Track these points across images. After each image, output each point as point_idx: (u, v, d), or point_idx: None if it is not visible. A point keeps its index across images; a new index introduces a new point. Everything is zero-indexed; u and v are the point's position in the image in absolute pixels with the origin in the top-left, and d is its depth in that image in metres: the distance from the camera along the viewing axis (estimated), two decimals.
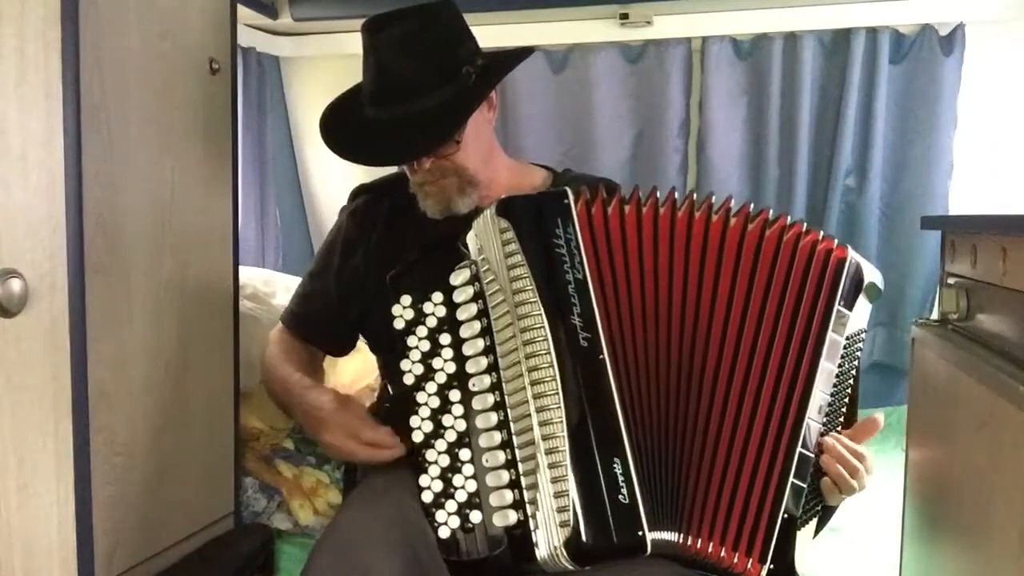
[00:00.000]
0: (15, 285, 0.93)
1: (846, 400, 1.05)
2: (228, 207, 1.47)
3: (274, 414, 1.74)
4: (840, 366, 1.02)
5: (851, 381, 1.05)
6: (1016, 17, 2.16)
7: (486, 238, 1.00)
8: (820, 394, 1.00)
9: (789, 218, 1.04)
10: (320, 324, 1.27)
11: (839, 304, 1.01)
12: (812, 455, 0.99)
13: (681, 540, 0.95)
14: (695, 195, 1.03)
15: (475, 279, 1.01)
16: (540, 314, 0.95)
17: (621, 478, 0.93)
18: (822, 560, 1.55)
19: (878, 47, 2.23)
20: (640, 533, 0.92)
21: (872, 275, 1.06)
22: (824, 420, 1.00)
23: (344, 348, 1.32)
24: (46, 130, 0.97)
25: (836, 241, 1.04)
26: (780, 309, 1.00)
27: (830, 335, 1.00)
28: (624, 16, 2.34)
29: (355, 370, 1.61)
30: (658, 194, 1.03)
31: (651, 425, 0.97)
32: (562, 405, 0.94)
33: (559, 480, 0.93)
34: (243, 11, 2.00)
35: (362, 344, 1.35)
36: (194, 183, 1.37)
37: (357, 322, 1.28)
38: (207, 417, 1.44)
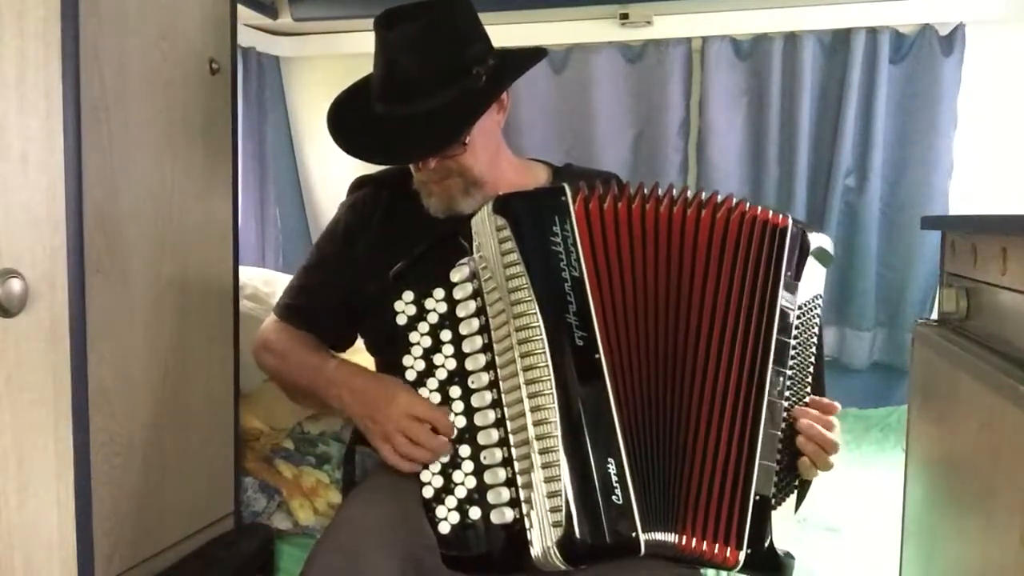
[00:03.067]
0: (15, 285, 0.93)
1: (810, 369, 1.03)
2: (228, 207, 1.47)
3: (274, 414, 1.74)
4: (796, 337, 1.01)
5: (813, 349, 1.04)
6: (1016, 17, 2.16)
7: (484, 236, 1.00)
8: (778, 369, 0.99)
9: (747, 203, 1.03)
10: (317, 317, 1.26)
11: (786, 275, 1.00)
12: (777, 433, 0.98)
13: (677, 541, 0.95)
14: (674, 189, 1.02)
15: (474, 276, 1.01)
16: (535, 313, 0.95)
17: (615, 478, 0.93)
18: (822, 560, 1.55)
19: (878, 47, 2.24)
20: (634, 534, 0.92)
21: (819, 240, 1.05)
22: (787, 395, 1.00)
23: (341, 343, 1.31)
24: (46, 130, 0.97)
25: (782, 214, 1.03)
26: (742, 291, 1.00)
27: (780, 308, 0.99)
28: (624, 16, 2.34)
29: None
30: (644, 189, 1.02)
31: (645, 423, 0.97)
32: (556, 404, 0.93)
33: (552, 480, 0.92)
34: (243, 11, 2.00)
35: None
36: (194, 183, 1.36)
37: (355, 317, 1.27)
38: (207, 417, 1.44)
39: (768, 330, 0.99)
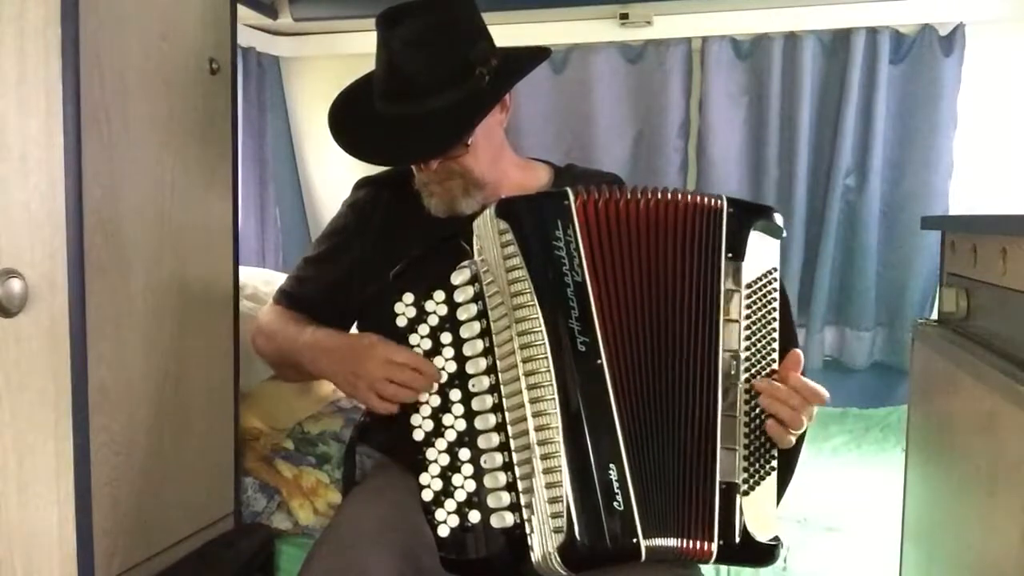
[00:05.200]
0: (15, 285, 0.93)
1: (774, 346, 1.01)
2: (228, 207, 1.47)
3: (274, 414, 1.74)
4: (749, 316, 1.00)
5: (774, 325, 1.01)
6: (1016, 17, 2.16)
7: (486, 239, 0.99)
8: (730, 352, 0.98)
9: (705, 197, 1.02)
10: (311, 307, 1.27)
11: (727, 256, 0.99)
12: (737, 416, 0.97)
13: (677, 544, 0.95)
14: (649, 188, 1.02)
15: (475, 279, 1.00)
16: (537, 318, 0.95)
17: (616, 484, 0.93)
18: (822, 560, 1.55)
19: (878, 47, 2.23)
20: (635, 540, 0.92)
21: (763, 215, 1.03)
22: (745, 377, 0.98)
23: None
24: (46, 130, 0.97)
25: (716, 198, 1.01)
26: (695, 278, 0.99)
27: (724, 290, 0.99)
28: (624, 16, 2.34)
29: None
30: (628, 193, 1.01)
31: (646, 428, 0.96)
32: (558, 410, 0.93)
33: (554, 485, 0.92)
34: (243, 11, 2.00)
35: None
36: (194, 183, 1.37)
37: (352, 313, 1.27)
38: (207, 417, 1.44)
39: (714, 314, 0.98)
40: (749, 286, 1.00)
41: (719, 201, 1.01)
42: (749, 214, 1.02)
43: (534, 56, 1.20)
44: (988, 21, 2.18)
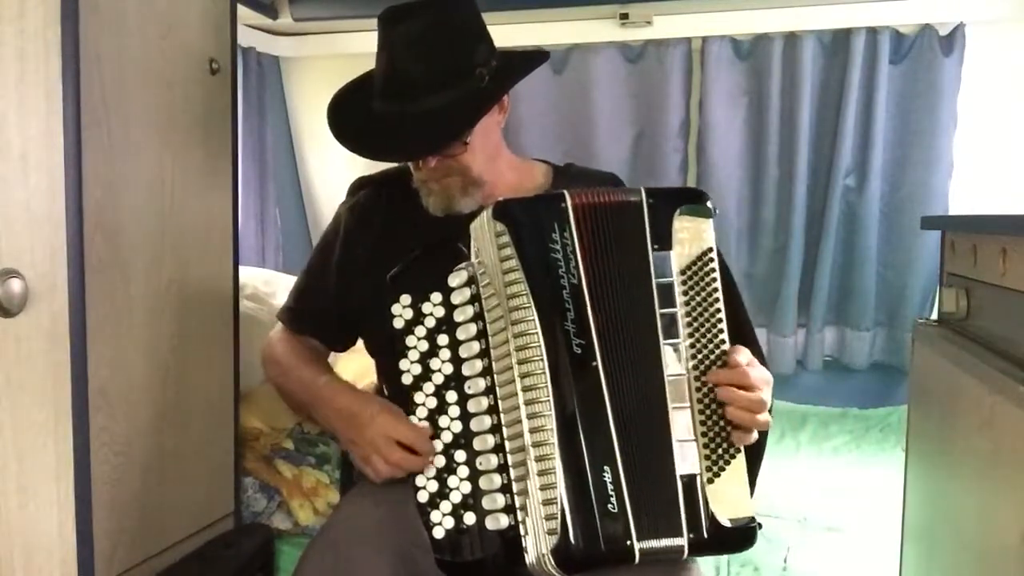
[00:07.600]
0: (15, 285, 0.93)
1: (720, 327, 1.00)
2: (228, 207, 1.47)
3: (274, 414, 1.74)
4: (688, 303, 0.99)
5: (717, 305, 1.00)
6: (1016, 17, 2.16)
7: (483, 241, 0.99)
8: (671, 343, 0.97)
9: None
10: (319, 319, 1.26)
11: (653, 248, 0.99)
12: (689, 407, 0.97)
13: (670, 545, 0.95)
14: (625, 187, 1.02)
15: (472, 281, 1.00)
16: (533, 320, 0.94)
17: (611, 486, 0.92)
18: (822, 560, 1.56)
19: (878, 47, 2.24)
20: (628, 543, 0.92)
21: (685, 198, 1.02)
22: (694, 364, 0.98)
23: (344, 344, 1.31)
24: (46, 130, 0.97)
25: (634, 193, 1.00)
26: (632, 275, 0.99)
27: (655, 281, 0.98)
28: (624, 16, 2.34)
29: (355, 370, 1.61)
30: (613, 194, 1.01)
31: (639, 430, 0.96)
32: (553, 412, 0.93)
33: (548, 487, 0.92)
34: (243, 11, 2.00)
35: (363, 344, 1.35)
36: (194, 183, 1.37)
37: (356, 318, 1.27)
38: (207, 417, 1.44)
39: (649, 307, 0.98)
40: (684, 272, 1.00)
41: (637, 195, 1.01)
42: (669, 201, 1.01)
43: (533, 59, 1.21)
44: (988, 21, 2.19)
